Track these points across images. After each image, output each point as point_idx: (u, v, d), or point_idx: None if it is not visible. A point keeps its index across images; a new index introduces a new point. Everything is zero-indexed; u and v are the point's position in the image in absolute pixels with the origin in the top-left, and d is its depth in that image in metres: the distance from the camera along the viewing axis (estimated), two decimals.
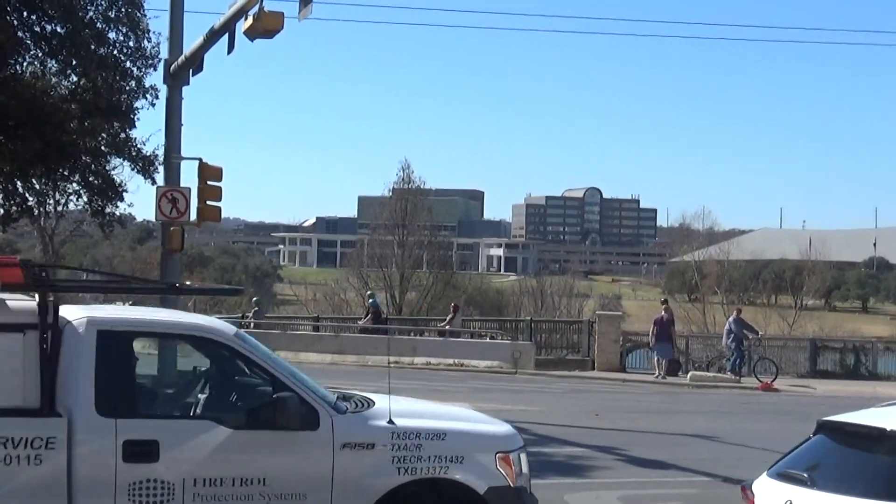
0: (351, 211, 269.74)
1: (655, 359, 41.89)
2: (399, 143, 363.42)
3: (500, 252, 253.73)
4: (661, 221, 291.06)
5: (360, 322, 49.21)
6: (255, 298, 58.83)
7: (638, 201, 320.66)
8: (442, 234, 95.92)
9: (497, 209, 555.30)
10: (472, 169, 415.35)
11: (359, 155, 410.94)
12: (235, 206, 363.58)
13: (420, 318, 63.79)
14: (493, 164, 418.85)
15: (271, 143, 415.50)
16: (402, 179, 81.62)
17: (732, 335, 41.28)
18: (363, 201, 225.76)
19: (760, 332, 44.94)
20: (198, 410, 10.85)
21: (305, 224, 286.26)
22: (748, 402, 34.26)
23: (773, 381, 39.16)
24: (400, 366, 41.80)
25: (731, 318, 42.85)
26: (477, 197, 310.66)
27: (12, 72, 30.69)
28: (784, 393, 37.57)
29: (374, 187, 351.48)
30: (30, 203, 35.07)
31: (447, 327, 46.61)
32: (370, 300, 50.73)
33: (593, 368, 43.20)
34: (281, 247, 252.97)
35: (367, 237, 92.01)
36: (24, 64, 31.54)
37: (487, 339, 46.08)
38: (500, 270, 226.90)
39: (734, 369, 40.90)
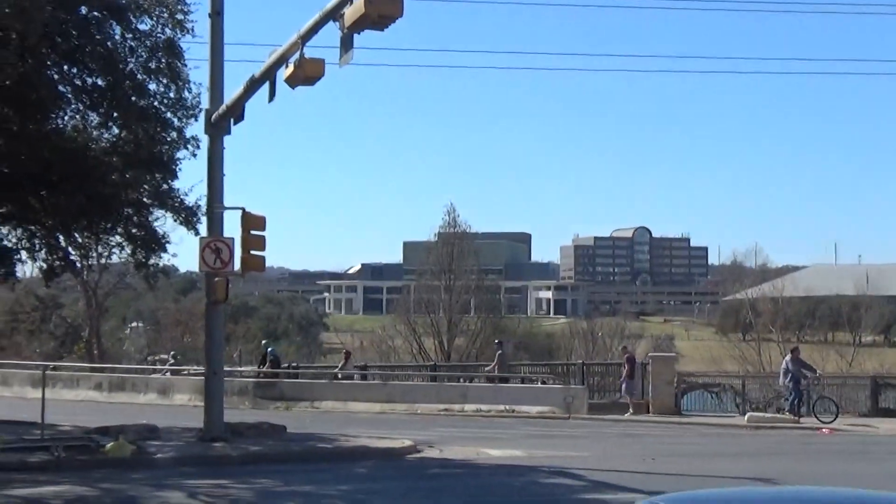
0: (396, 257, 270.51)
1: (629, 397, 43.12)
2: (444, 188, 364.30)
3: (548, 295, 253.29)
4: (713, 259, 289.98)
5: (258, 369, 49.85)
6: (172, 352, 58.19)
7: (688, 240, 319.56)
8: (489, 278, 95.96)
9: (544, 251, 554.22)
10: (519, 211, 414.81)
11: (403, 200, 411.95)
12: (279, 254, 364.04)
13: (469, 364, 63.67)
14: (539, 207, 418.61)
15: (314, 190, 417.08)
16: (448, 224, 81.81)
17: (790, 374, 41.01)
18: (408, 247, 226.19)
19: (818, 371, 44.55)
20: None
21: (350, 271, 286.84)
22: (808, 442, 33.91)
23: (833, 421, 38.78)
24: (450, 413, 41.74)
25: (787, 358, 42.57)
26: (524, 239, 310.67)
27: (54, 126, 31.07)
28: (845, 433, 37.17)
29: (419, 232, 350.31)
30: (72, 257, 35.36)
31: (339, 374, 48.17)
32: (268, 348, 50.98)
33: (648, 411, 42.94)
34: (326, 295, 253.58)
35: (414, 283, 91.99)
36: (66, 118, 31.92)
37: (539, 384, 45.94)
38: (549, 313, 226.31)
39: (793, 409, 40.58)
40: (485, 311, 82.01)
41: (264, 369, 48.84)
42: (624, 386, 43.30)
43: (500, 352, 47.37)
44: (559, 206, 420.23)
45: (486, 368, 48.26)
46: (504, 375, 46.11)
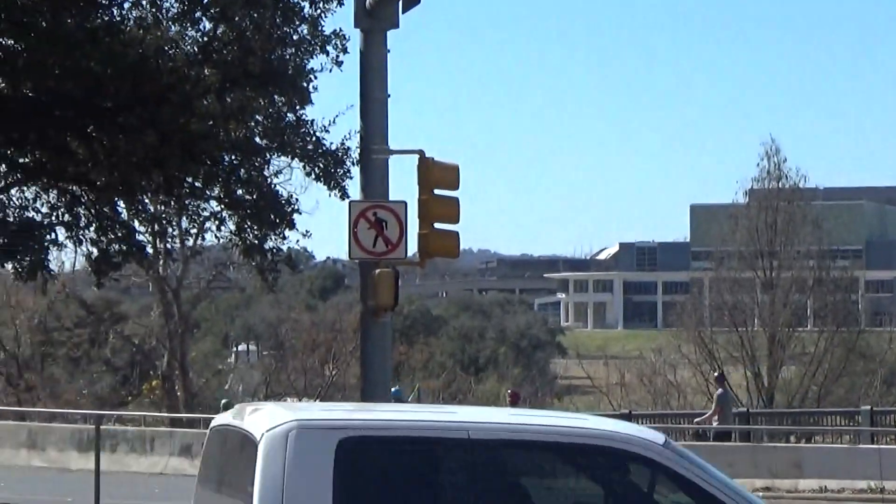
0: (679, 232, 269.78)
1: None
2: (754, 120, 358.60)
3: None
4: None
5: None
6: (224, 400, 57.83)
7: None
8: (838, 265, 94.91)
9: None
10: (890, 154, 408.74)
11: (688, 141, 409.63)
12: (481, 232, 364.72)
13: (805, 411, 63.12)
14: None
15: (538, 132, 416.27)
16: (768, 174, 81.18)
17: None
18: (699, 214, 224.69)
19: None
20: None
21: (601, 257, 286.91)
22: None
23: None
24: (776, 494, 41.38)
25: None
26: None
27: (105, 20, 31.52)
28: None
29: (716, 191, 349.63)
30: (140, 237, 35.91)
31: None
32: (411, 391, 50.48)
33: None
34: (561, 296, 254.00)
35: (710, 274, 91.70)
36: (126, 6, 32.37)
37: None
38: None
39: None
40: (832, 322, 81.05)
41: None
42: None
43: (720, 391, 47.25)
44: None
45: (696, 420, 48.74)
46: (726, 428, 45.71)
